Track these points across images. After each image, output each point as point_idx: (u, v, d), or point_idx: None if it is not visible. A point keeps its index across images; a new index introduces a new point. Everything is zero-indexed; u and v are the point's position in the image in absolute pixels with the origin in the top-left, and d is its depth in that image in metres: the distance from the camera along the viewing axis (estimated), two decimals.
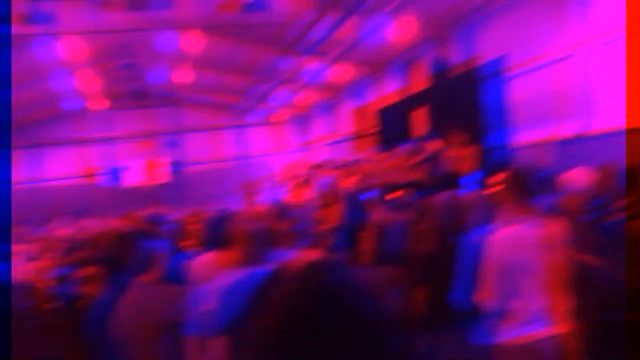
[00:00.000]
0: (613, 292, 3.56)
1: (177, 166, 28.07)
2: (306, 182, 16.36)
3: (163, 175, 26.71)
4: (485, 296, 2.98)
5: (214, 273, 3.93)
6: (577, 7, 11.58)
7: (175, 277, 3.97)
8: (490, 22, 14.39)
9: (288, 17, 12.23)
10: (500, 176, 3.23)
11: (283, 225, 3.61)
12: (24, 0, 12.00)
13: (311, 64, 19.14)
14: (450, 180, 12.35)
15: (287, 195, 16.78)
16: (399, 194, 5.51)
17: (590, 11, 11.41)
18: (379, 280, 3.47)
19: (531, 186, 3.04)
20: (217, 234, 4.35)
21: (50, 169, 27.46)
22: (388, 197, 5.45)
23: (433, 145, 13.40)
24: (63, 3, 11.74)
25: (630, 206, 4.20)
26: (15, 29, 12.42)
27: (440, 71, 15.98)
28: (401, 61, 18.60)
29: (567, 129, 12.08)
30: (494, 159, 12.10)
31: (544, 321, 2.97)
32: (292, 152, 30.16)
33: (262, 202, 16.62)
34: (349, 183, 13.29)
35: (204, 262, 4.23)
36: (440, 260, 3.62)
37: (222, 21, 14.19)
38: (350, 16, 14.33)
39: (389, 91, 19.73)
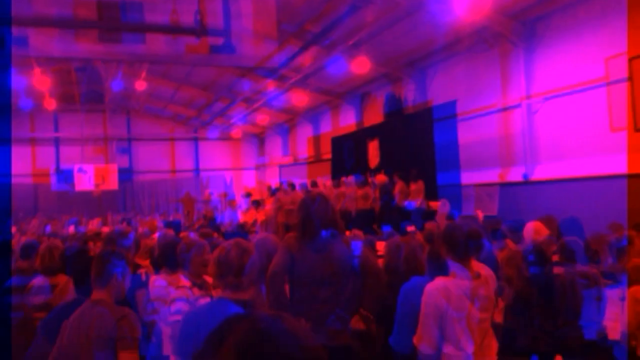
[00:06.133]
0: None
1: (127, 174, 27.77)
2: (259, 204, 16.50)
3: (113, 182, 26.35)
4: (422, 340, 3.29)
5: (168, 296, 4.14)
6: (523, 66, 12.30)
7: (129, 297, 4.14)
8: (441, 69, 14.98)
9: (253, 53, 12.56)
10: (437, 230, 3.56)
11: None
12: None
13: (271, 87, 19.42)
14: (396, 214, 12.79)
15: (240, 215, 16.87)
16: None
17: (534, 70, 12.14)
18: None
19: (466, 245, 3.37)
20: (170, 257, 4.55)
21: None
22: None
23: (381, 179, 13.83)
24: (37, 30, 11.78)
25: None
26: None
27: (393, 108, 16.51)
28: (357, 94, 19.07)
29: (511, 174, 12.67)
30: (430, 212, 12.49)
31: None
32: (246, 169, 30.26)
33: (207, 218, 16.65)
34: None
35: (158, 284, 4.40)
36: (388, 300, 3.91)
37: (190, 62, 14.33)
38: (311, 48, 14.74)
39: (344, 121, 20.15)
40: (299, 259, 3.99)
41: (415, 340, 3.35)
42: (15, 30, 11.35)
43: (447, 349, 3.28)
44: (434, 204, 12.61)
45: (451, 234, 3.42)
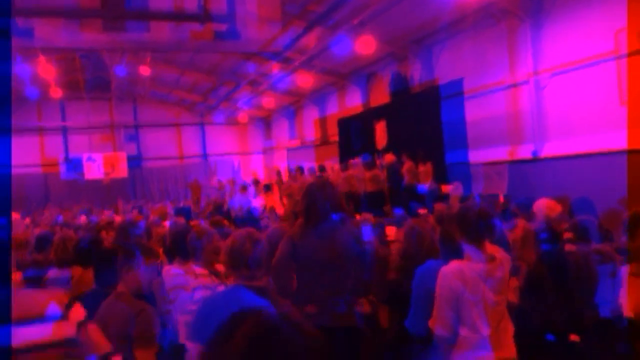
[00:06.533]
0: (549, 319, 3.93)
1: (136, 161, 27.85)
2: (269, 188, 16.51)
3: (122, 169, 26.46)
4: (437, 323, 3.31)
5: (187, 285, 4.17)
6: (530, 41, 12.16)
7: (147, 289, 4.15)
8: (448, 47, 14.83)
9: (257, 37, 12.50)
10: (447, 211, 3.55)
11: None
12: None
13: (275, 70, 19.33)
14: (406, 194, 12.75)
15: (252, 200, 16.88)
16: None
17: (542, 46, 12.00)
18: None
19: (478, 226, 3.36)
20: (182, 246, 4.56)
21: (8, 157, 26.76)
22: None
23: (389, 158, 13.74)
24: (42, 20, 11.77)
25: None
26: None
27: (400, 88, 16.37)
28: (363, 74, 18.96)
29: (520, 152, 12.60)
30: (443, 195, 12.37)
31: (491, 346, 3.31)
32: (254, 154, 30.26)
33: (225, 204, 16.68)
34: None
35: (174, 272, 4.42)
36: (403, 287, 3.93)
37: (194, 48, 14.25)
38: (315, 28, 14.60)
39: (351, 102, 20.05)
40: (301, 245, 4.05)
41: (430, 323, 3.37)
42: (20, 21, 11.39)
43: (463, 331, 3.29)
44: (446, 187, 12.53)
45: (464, 216, 3.41)
